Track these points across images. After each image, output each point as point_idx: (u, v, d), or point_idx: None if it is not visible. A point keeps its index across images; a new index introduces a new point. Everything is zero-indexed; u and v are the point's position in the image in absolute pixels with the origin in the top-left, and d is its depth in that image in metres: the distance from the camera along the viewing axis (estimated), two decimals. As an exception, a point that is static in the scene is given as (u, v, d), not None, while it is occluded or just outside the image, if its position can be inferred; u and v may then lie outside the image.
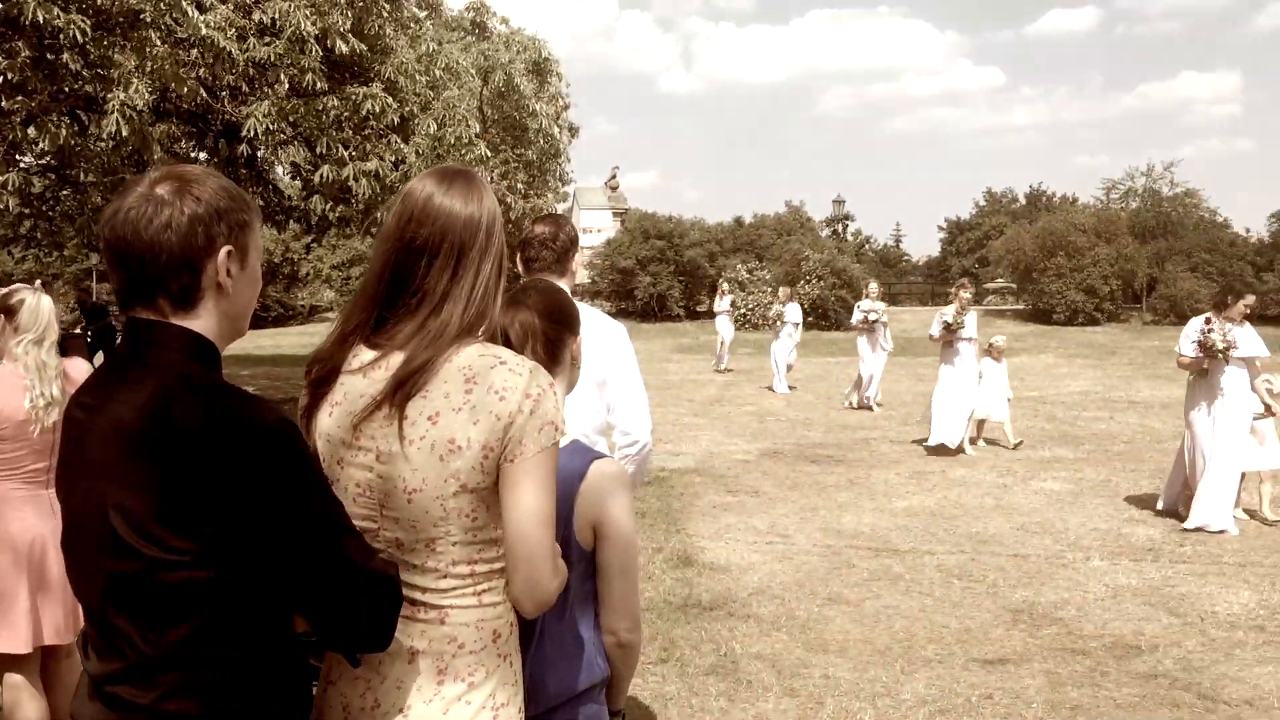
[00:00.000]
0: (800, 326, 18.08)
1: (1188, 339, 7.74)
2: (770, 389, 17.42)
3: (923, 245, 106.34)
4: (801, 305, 33.13)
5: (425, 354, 1.69)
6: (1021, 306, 37.03)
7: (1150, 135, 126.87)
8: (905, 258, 70.37)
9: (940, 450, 10.87)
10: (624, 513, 2.09)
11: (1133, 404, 15.37)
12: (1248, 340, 7.69)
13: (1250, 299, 7.85)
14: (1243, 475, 7.80)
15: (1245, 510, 8.04)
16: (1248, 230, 41.36)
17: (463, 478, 1.67)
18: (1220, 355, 7.53)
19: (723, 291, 22.19)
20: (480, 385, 1.68)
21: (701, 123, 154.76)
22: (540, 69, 15.18)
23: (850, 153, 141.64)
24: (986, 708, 4.46)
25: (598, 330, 3.28)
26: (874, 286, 15.73)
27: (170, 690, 1.51)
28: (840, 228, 55.55)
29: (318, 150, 10.84)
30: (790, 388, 17.48)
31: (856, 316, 15.11)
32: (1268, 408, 7.75)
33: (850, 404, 15.04)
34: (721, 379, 19.69)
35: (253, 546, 1.51)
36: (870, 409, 14.53)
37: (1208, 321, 7.65)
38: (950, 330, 11.00)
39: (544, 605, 1.75)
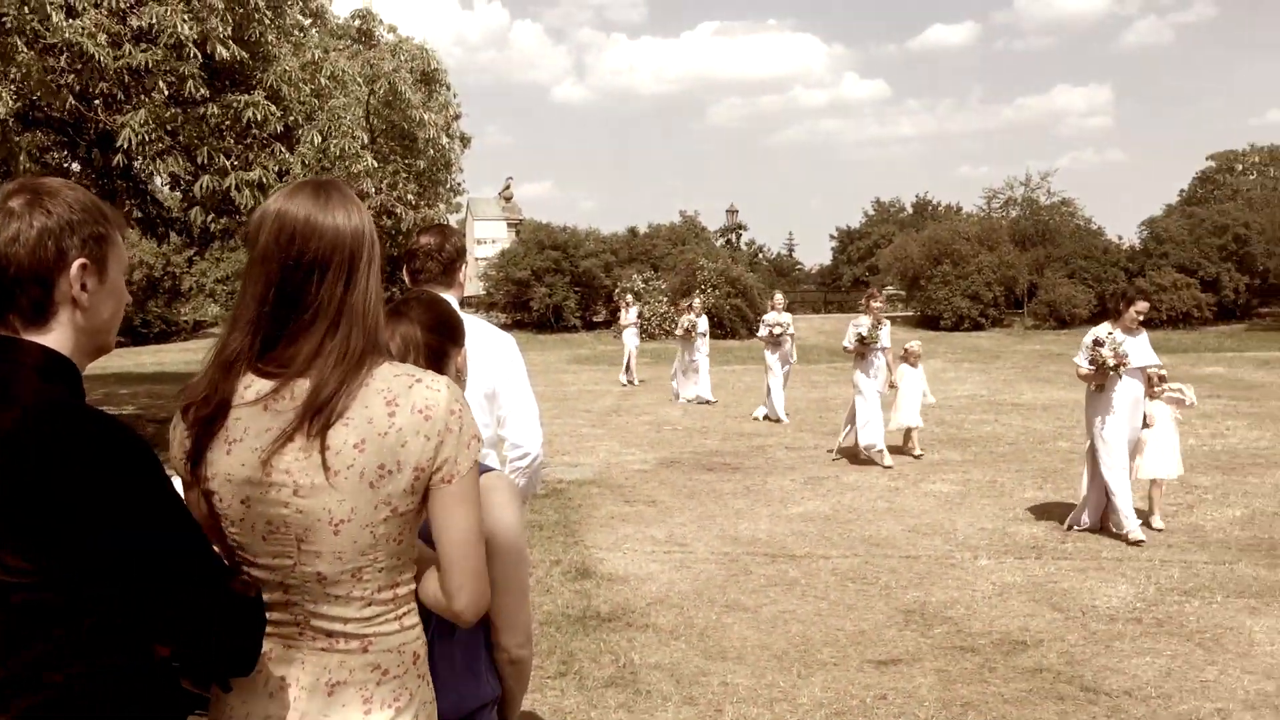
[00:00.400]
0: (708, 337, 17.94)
1: (1084, 351, 7.65)
2: (697, 400, 17.07)
3: (815, 254, 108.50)
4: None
5: (336, 378, 1.62)
6: (910, 313, 38.01)
7: (1028, 146, 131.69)
8: (798, 266, 71.57)
9: (861, 456, 10.74)
10: (513, 526, 2.05)
11: (1016, 406, 15.85)
12: (1140, 350, 7.56)
13: (1142, 305, 7.71)
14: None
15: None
16: (1120, 237, 43.10)
17: (394, 502, 1.64)
18: (1112, 371, 7.41)
19: (628, 304, 21.79)
20: (403, 406, 1.64)
21: (595, 133, 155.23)
22: (429, 78, 14.96)
23: (742, 163, 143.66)
24: (881, 708, 4.52)
25: (486, 342, 3.23)
26: (779, 298, 15.41)
27: (25, 714, 1.45)
28: (734, 237, 56.23)
29: (198, 160, 10.49)
30: (696, 398, 17.20)
31: (763, 331, 14.87)
32: (1147, 416, 7.74)
33: (758, 416, 14.84)
34: (619, 390, 19.70)
35: (100, 569, 1.44)
36: (778, 421, 14.42)
37: (1097, 342, 7.47)
38: (865, 343, 10.76)
39: (482, 615, 1.78)
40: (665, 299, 34.89)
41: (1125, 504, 7.45)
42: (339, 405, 1.61)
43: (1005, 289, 37.38)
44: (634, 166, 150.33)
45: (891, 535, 7.75)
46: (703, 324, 17.49)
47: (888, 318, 12.25)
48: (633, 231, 44.42)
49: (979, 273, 36.99)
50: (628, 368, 20.91)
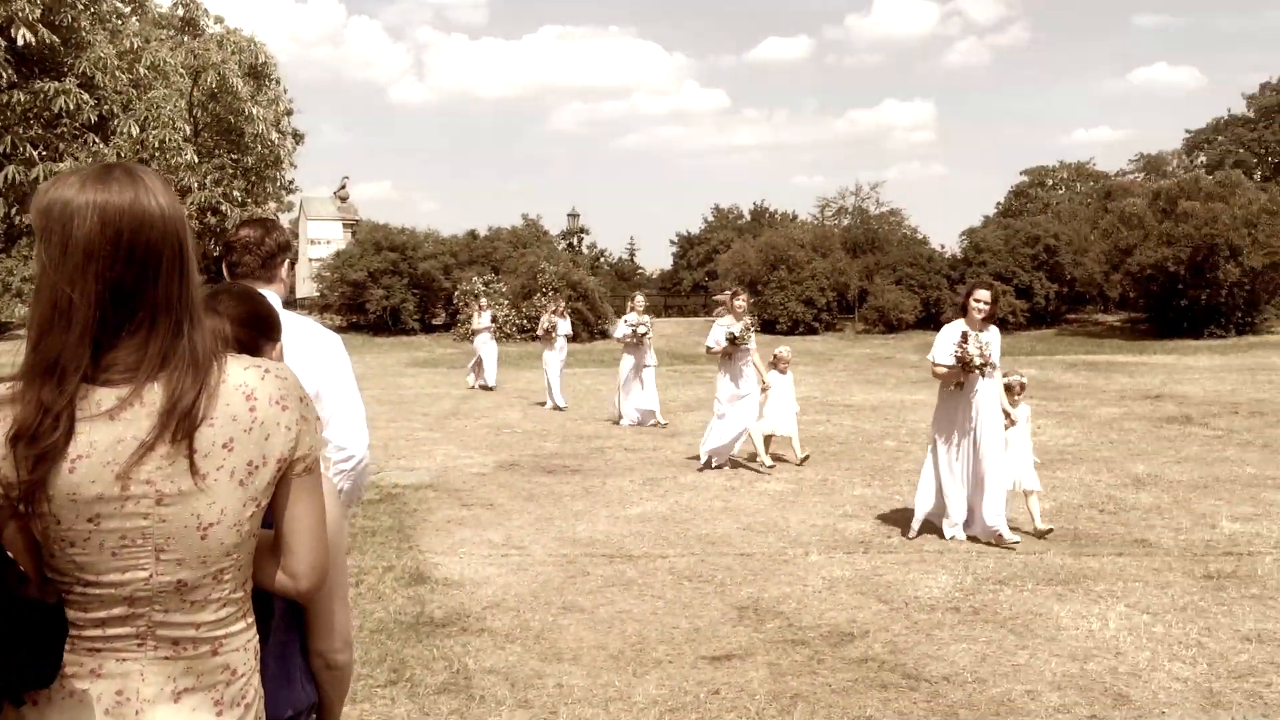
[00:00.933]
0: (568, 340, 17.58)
1: (943, 348, 7.39)
2: (543, 405, 16.67)
3: (656, 258, 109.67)
4: (539, 317, 33.45)
5: (192, 379, 1.54)
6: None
7: (859, 158, 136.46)
8: (639, 271, 72.21)
9: (708, 465, 10.58)
10: (331, 528, 1.98)
11: (847, 407, 16.38)
12: (992, 345, 7.42)
13: (982, 293, 7.50)
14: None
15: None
16: (943, 246, 45.13)
17: (259, 498, 1.62)
18: (978, 370, 7.25)
19: (481, 307, 21.20)
20: (261, 399, 1.60)
21: (435, 134, 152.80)
22: (258, 71, 14.44)
23: (584, 168, 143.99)
24: (714, 703, 4.58)
25: (309, 341, 3.12)
26: (640, 299, 15.07)
27: None
28: (576, 241, 56.36)
29: (2, 149, 9.83)
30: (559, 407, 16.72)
31: (622, 331, 14.59)
32: (1008, 415, 7.63)
33: (621, 420, 14.40)
34: (459, 393, 19.43)
35: None
36: (659, 423, 14.12)
37: (965, 336, 7.28)
38: (735, 344, 10.45)
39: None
40: (506, 302, 34.66)
41: (957, 508, 7.46)
42: (201, 407, 1.54)
43: (838, 294, 38.68)
44: (475, 169, 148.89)
45: (727, 533, 7.89)
46: (564, 325, 17.19)
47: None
48: (473, 234, 44.04)
49: (813, 278, 38.17)
50: (478, 371, 20.28)
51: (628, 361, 14.41)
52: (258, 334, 2.04)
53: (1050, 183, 58.20)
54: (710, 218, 67.55)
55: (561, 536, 7.80)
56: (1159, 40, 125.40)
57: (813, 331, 37.12)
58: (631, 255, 73.60)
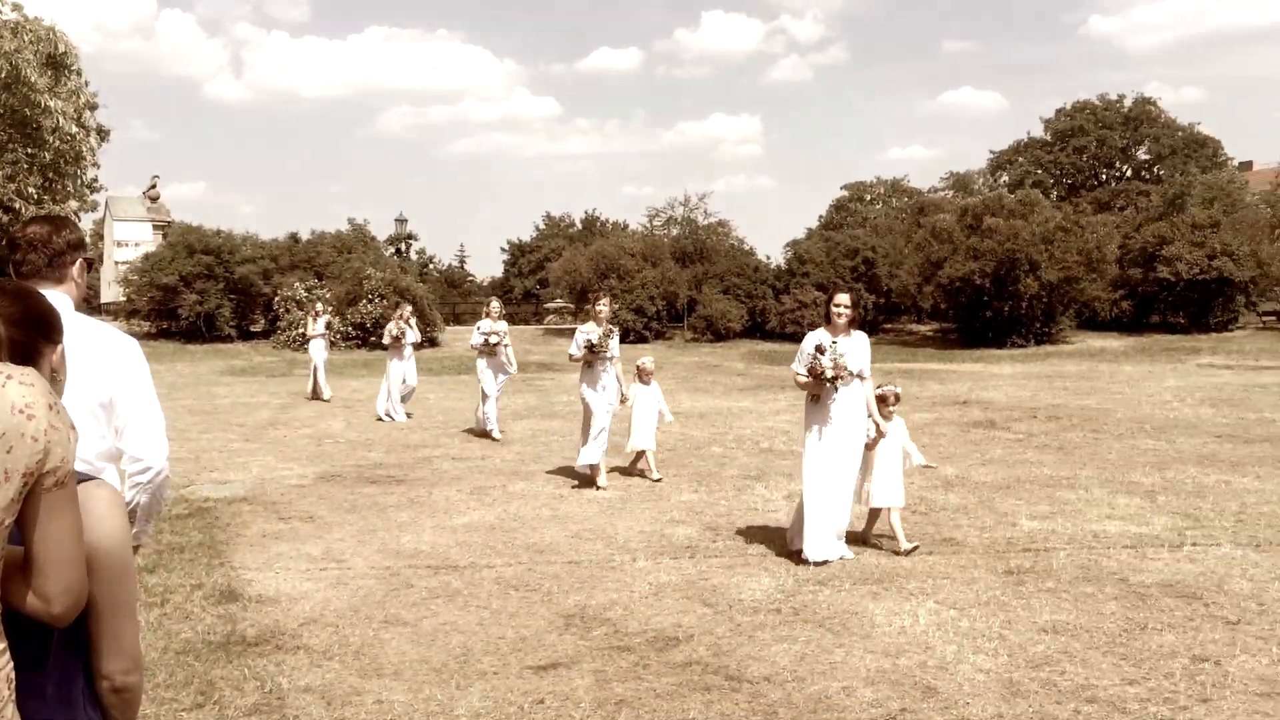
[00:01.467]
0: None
1: (801, 358, 7.20)
2: (384, 417, 15.71)
3: (487, 266, 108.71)
4: (365, 324, 32.56)
5: None
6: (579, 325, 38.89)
7: (688, 169, 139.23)
8: (470, 278, 71.50)
9: (586, 478, 10.12)
10: (117, 540, 1.84)
11: (676, 414, 16.55)
12: (856, 353, 7.17)
13: (842, 297, 7.25)
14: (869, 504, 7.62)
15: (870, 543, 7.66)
16: (768, 257, 46.38)
17: (3, 514, 1.50)
18: (830, 383, 7.01)
19: (316, 313, 19.81)
20: (2, 408, 1.48)
21: (254, 135, 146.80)
22: (57, 62, 13.52)
23: (413, 172, 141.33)
24: (538, 713, 4.53)
25: (102, 346, 2.92)
26: (495, 305, 14.30)
27: None
28: (404, 247, 55.24)
29: None
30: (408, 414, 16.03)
31: (476, 339, 13.73)
32: (878, 427, 7.38)
33: (483, 429, 13.73)
34: (277, 403, 18.72)
35: None
36: (492, 438, 13.42)
37: (819, 349, 7.03)
38: (595, 352, 10.08)
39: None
40: (330, 308, 33.67)
41: (814, 526, 7.06)
42: None
43: (667, 303, 39.19)
44: (298, 171, 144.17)
45: (555, 541, 7.85)
46: (412, 334, 16.27)
47: (556, 330, 12.33)
48: (295, 238, 42.51)
49: (643, 287, 38.58)
50: (315, 382, 19.08)
51: (489, 372, 13.69)
52: (34, 335, 1.88)
53: (868, 197, 60.60)
54: (542, 225, 67.51)
55: (385, 548, 7.59)
56: (966, 65, 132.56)
57: (643, 340, 37.48)
58: (462, 262, 72.85)
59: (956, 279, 35.39)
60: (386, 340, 16.30)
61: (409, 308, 16.99)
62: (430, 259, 65.00)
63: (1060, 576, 6.67)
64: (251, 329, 36.70)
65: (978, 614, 5.93)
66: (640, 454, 10.64)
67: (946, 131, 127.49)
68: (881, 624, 5.78)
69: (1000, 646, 5.37)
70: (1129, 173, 57.86)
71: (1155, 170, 55.42)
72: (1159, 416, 15.52)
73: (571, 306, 42.32)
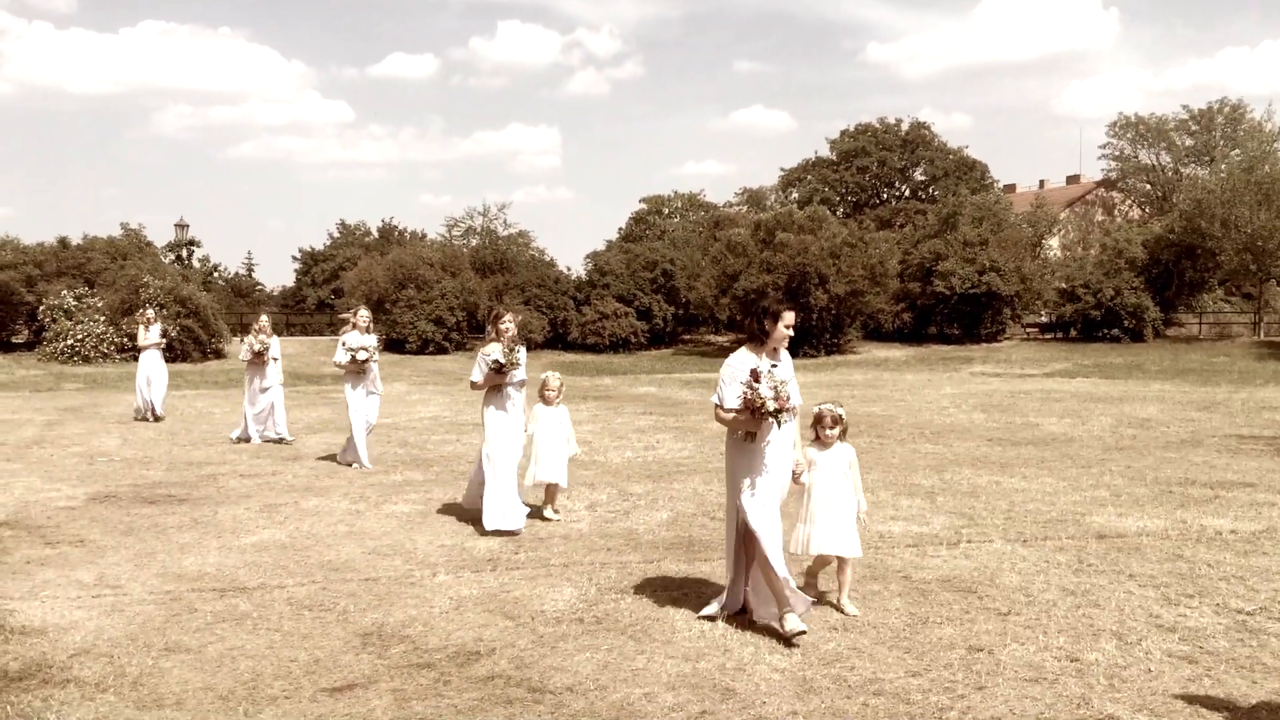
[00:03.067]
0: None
1: (731, 387, 5.78)
2: (277, 438, 14.23)
3: (277, 275, 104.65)
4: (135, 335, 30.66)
5: None
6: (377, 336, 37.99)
7: (487, 179, 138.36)
8: (259, 287, 68.62)
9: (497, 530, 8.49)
10: None
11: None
12: (791, 379, 5.88)
13: (791, 315, 5.97)
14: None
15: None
16: (569, 268, 46.71)
17: None
18: (772, 417, 5.60)
19: (148, 320, 17.76)
20: None
21: (13, 132, 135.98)
22: None
23: (194, 176, 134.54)
24: (334, 737, 4.36)
25: None
26: (364, 315, 12.38)
27: None
28: (185, 253, 52.43)
29: None
30: (278, 437, 14.39)
31: (341, 356, 11.91)
32: (805, 461, 6.09)
33: (352, 462, 12.00)
34: (43, 420, 17.38)
35: None
36: (363, 466, 11.84)
37: (755, 376, 5.69)
38: (502, 372, 8.58)
39: None
40: (103, 319, 31.59)
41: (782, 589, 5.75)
42: None
43: (468, 314, 38.78)
44: (64, 172, 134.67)
45: (351, 559, 7.60)
46: (275, 346, 14.79)
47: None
48: (63, 243, 39.65)
49: (443, 298, 38.04)
50: (147, 399, 17.05)
51: (357, 394, 11.94)
52: None
53: (666, 211, 61.91)
54: (336, 234, 65.54)
55: (165, 572, 7.15)
56: (756, 85, 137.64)
57: (443, 351, 36.94)
58: (250, 271, 69.84)
59: (751, 291, 36.59)
60: (245, 356, 14.66)
61: (266, 318, 15.38)
62: (215, 267, 61.94)
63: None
64: (13, 340, 34.00)
65: (773, 615, 6.10)
66: (549, 488, 9.08)
67: (739, 147, 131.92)
68: (682, 630, 5.87)
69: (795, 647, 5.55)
70: (907, 192, 61.46)
71: (931, 190, 59.08)
72: (937, 422, 16.49)
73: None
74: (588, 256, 45.92)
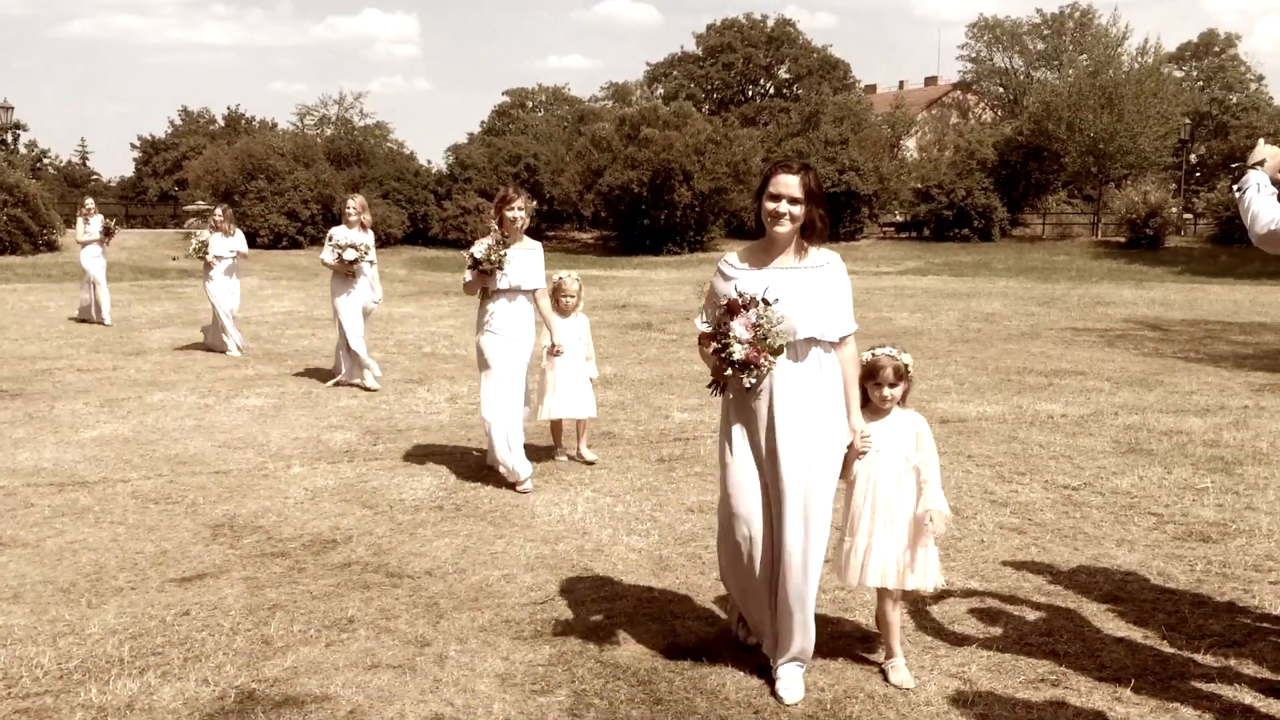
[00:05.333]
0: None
1: (706, 310, 4.02)
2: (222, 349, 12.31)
3: (115, 165, 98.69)
4: None
5: None
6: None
7: (341, 68, 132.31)
8: (94, 176, 64.76)
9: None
10: None
11: (331, 321, 16.00)
12: (806, 294, 3.77)
13: (784, 182, 3.71)
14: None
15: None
16: (430, 162, 45.47)
17: None
18: (737, 373, 3.67)
19: (87, 213, 15.52)
20: None
21: None
22: None
23: (18, 54, 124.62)
24: (183, 624, 4.27)
25: None
26: (355, 205, 10.39)
27: None
28: (11, 138, 48.87)
29: None
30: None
31: (328, 255, 10.18)
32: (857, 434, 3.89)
33: (356, 379, 10.07)
34: None
35: None
36: (367, 388, 9.91)
37: (735, 305, 3.66)
38: (485, 272, 6.38)
39: None
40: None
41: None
42: None
43: (323, 207, 37.43)
44: None
45: (201, 452, 7.37)
46: (237, 241, 12.62)
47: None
48: None
49: (295, 189, 36.60)
50: (97, 302, 15.10)
51: (348, 301, 10.10)
52: None
53: (530, 104, 60.68)
54: (178, 121, 62.06)
55: (0, 467, 6.81)
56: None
57: (297, 245, 35.71)
58: (84, 159, 65.77)
59: (616, 187, 36.38)
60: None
61: (226, 208, 13.15)
62: (44, 153, 58.05)
63: (707, 461, 7.10)
64: None
65: (632, 499, 6.22)
66: (559, 425, 7.36)
67: (605, 41, 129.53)
68: (541, 514, 5.93)
69: (652, 527, 5.67)
70: (772, 90, 61.64)
71: (794, 89, 59.39)
72: (794, 316, 16.88)
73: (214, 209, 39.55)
74: (449, 150, 44.69)
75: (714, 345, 3.67)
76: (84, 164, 64.97)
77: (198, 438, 7.82)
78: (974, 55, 62.75)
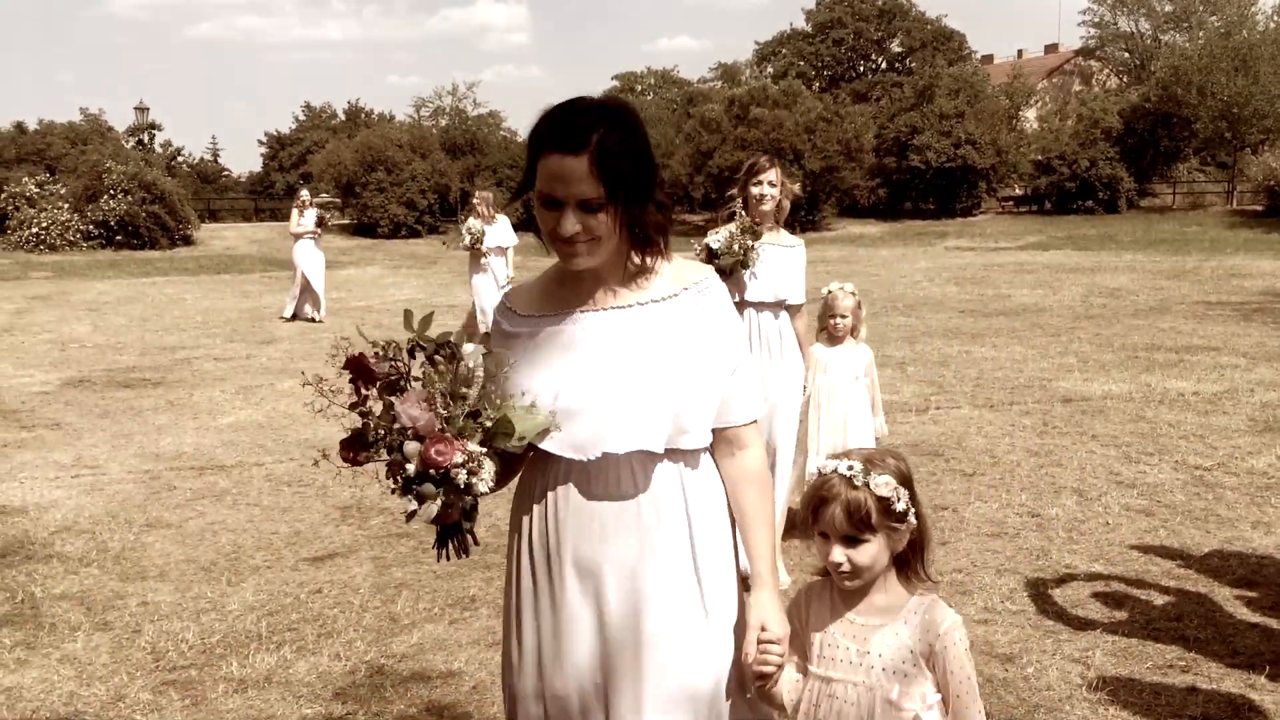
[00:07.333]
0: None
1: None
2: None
3: (244, 160, 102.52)
4: (108, 222, 30.18)
5: None
6: (348, 220, 37.55)
7: (455, 58, 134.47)
8: (225, 172, 67.37)
9: None
10: None
11: (451, 308, 16.37)
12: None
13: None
14: None
15: None
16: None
17: None
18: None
19: (302, 204, 15.14)
20: None
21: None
22: None
23: (152, 58, 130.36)
24: (316, 601, 4.47)
25: None
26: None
27: None
28: (146, 138, 51.18)
29: None
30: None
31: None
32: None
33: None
34: (13, 308, 17.20)
35: None
36: None
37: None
38: (725, 271, 4.53)
39: None
40: (66, 205, 31.01)
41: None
42: None
43: (439, 196, 38.25)
44: (17, 57, 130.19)
45: (330, 437, 7.60)
46: (502, 232, 12.29)
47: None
48: (20, 128, 38.64)
49: (413, 180, 37.46)
50: (309, 296, 14.85)
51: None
52: None
53: (639, 88, 60.79)
54: (302, 117, 63.99)
55: (143, 452, 7.20)
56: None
57: (415, 234, 36.58)
58: (215, 156, 68.40)
59: (726, 169, 36.16)
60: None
61: (489, 194, 12.81)
62: (179, 151, 60.59)
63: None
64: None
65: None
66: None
67: (713, 21, 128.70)
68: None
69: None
70: (884, 64, 60.36)
71: (907, 63, 58.04)
72: (910, 295, 16.58)
73: (338, 201, 40.76)
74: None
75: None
76: (215, 160, 67.61)
77: (327, 423, 8.09)
78: (1097, 20, 60.28)
